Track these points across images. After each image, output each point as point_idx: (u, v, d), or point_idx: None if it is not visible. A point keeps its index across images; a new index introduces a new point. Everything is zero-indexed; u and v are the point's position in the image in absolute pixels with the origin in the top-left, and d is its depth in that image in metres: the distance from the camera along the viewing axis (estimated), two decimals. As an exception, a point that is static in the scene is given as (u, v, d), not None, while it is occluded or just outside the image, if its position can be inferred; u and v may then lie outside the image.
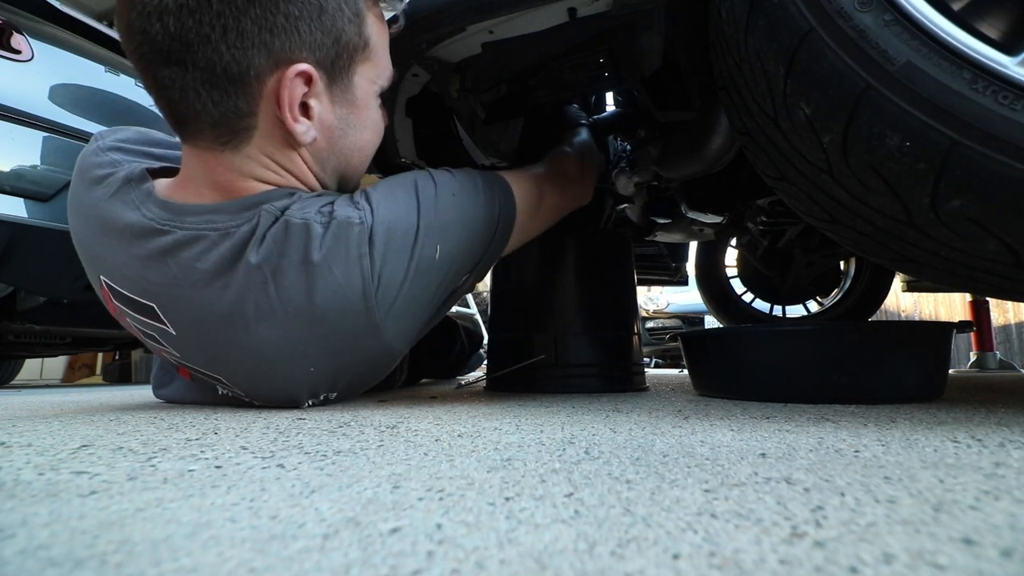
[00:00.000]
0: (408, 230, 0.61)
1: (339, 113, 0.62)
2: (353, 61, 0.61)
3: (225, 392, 0.68)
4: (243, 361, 0.62)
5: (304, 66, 0.57)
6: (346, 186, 0.69)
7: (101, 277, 0.65)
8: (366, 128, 0.66)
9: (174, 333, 0.62)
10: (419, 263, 0.61)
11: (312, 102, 0.59)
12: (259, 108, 0.57)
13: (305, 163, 0.63)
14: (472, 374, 1.67)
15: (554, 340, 0.99)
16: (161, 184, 0.64)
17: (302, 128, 0.59)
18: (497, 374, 1.02)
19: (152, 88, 0.57)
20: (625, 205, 1.37)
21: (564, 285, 1.02)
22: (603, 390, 0.97)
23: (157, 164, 0.68)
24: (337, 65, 0.60)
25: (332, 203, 0.60)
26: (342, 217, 0.58)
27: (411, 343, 0.68)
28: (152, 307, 0.62)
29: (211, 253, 0.58)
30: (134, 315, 0.64)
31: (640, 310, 5.48)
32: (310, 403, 0.67)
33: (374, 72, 0.65)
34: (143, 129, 0.75)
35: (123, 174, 0.64)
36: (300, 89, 0.58)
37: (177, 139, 0.65)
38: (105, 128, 0.74)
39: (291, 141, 0.60)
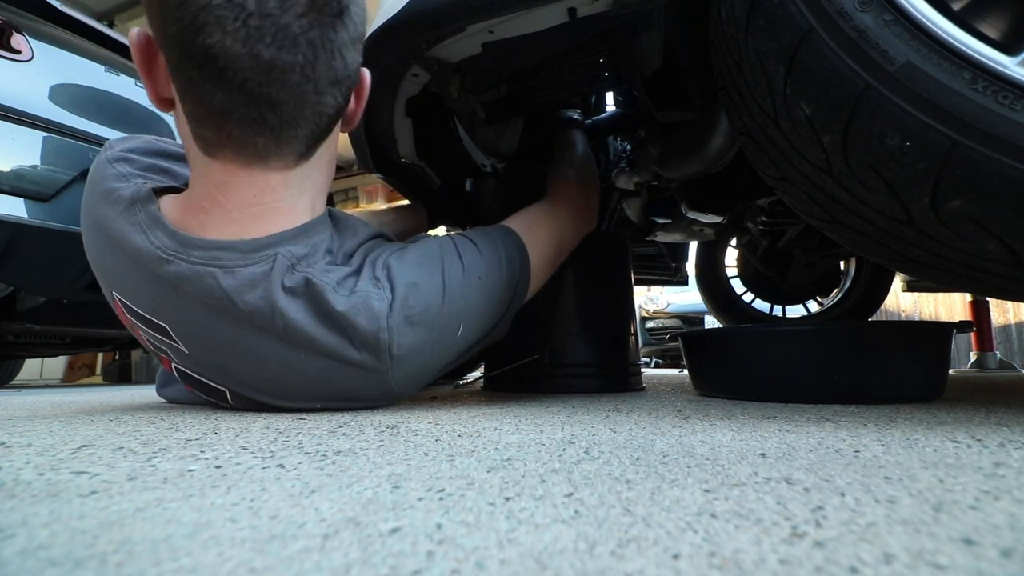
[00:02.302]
0: (429, 309, 0.61)
1: None
2: None
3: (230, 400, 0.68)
4: (253, 380, 0.62)
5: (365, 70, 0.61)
6: (323, 201, 0.67)
7: (114, 292, 0.64)
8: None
9: (187, 352, 0.63)
10: (439, 338, 0.63)
11: None
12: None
13: (324, 181, 0.65)
14: (471, 374, 1.67)
15: (551, 340, 0.99)
16: (170, 206, 0.61)
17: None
18: (493, 373, 1.02)
19: (256, 103, 0.52)
20: (629, 199, 1.37)
21: (562, 285, 1.02)
22: (600, 390, 0.97)
23: (164, 181, 0.66)
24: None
25: (355, 276, 0.60)
26: (363, 292, 0.59)
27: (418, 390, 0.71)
28: (165, 327, 0.62)
29: (218, 288, 0.57)
30: (147, 330, 0.64)
31: (640, 310, 5.49)
32: None
33: None
34: (152, 138, 0.73)
35: (129, 192, 0.62)
36: None
37: (183, 150, 0.64)
38: (114, 135, 0.74)
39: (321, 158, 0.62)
